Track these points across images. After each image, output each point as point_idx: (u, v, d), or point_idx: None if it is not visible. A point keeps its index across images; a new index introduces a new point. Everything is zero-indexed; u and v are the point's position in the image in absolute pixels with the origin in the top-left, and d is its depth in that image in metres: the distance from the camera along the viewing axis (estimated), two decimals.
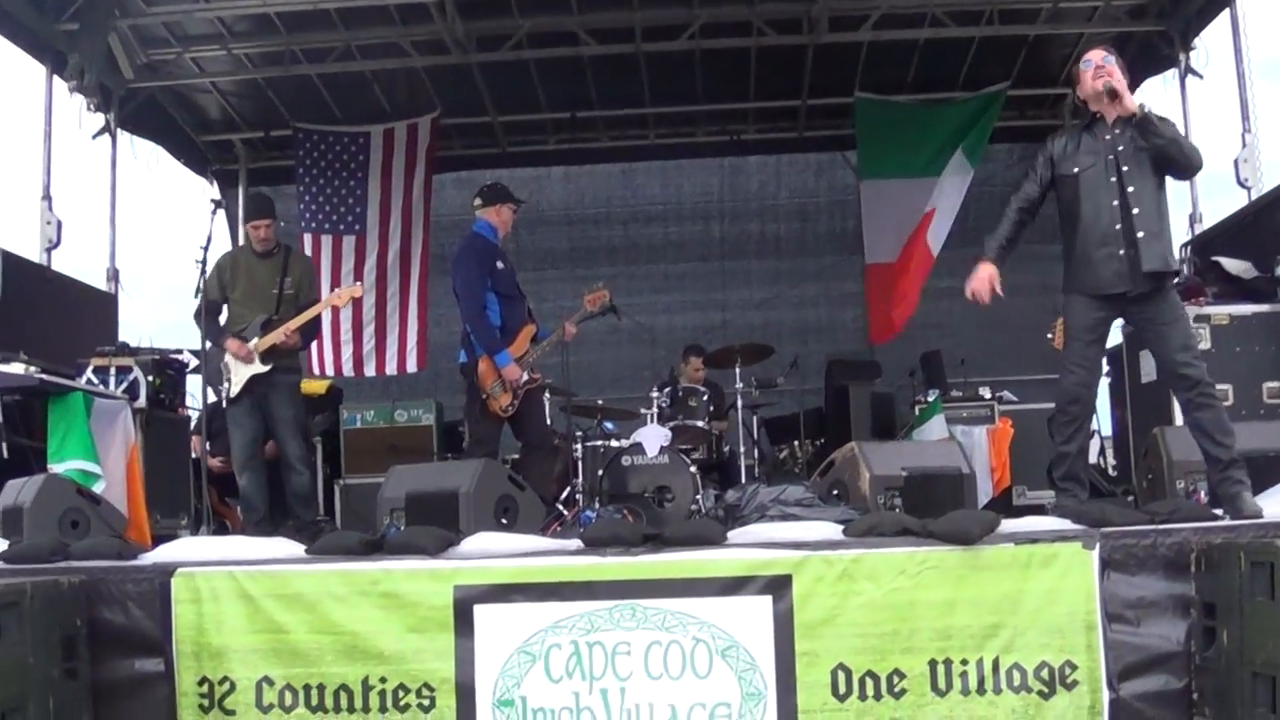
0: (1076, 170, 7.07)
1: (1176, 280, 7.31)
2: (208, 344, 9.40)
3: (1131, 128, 6.93)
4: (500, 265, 9.54)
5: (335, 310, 13.22)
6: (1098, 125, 7.12)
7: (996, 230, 7.37)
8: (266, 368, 9.42)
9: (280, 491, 9.80)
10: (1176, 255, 7.15)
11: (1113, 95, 6.92)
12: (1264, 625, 5.28)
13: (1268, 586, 5.27)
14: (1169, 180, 7.14)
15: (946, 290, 14.16)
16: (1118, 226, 6.92)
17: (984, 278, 7.23)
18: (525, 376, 9.28)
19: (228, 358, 9.52)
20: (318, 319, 10.23)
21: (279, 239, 10.02)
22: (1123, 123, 6.98)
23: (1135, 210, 6.88)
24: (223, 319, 9.78)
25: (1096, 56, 7.05)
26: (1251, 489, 6.69)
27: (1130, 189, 6.91)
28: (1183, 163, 6.90)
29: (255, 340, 9.40)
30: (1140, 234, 6.85)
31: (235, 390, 9.49)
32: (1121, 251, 6.90)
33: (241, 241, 11.86)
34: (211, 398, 9.58)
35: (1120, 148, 6.97)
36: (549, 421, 10.57)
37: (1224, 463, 6.74)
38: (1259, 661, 5.30)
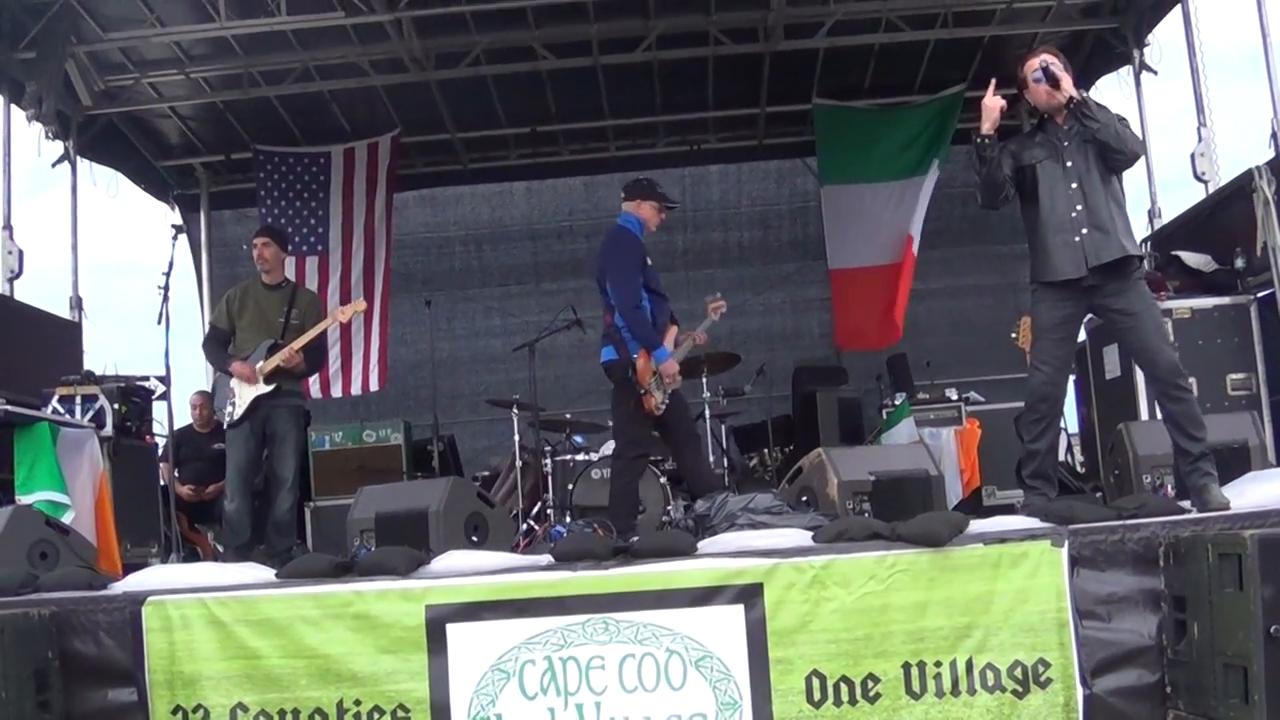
0: (1033, 162, 7.13)
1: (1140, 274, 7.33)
2: (215, 371, 9.46)
3: (1075, 120, 7.00)
4: (648, 261, 9.32)
5: None
6: (1048, 126, 7.22)
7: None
8: (270, 388, 9.46)
9: (261, 519, 9.80)
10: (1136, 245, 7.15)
11: (1053, 82, 6.97)
12: (1233, 616, 5.31)
13: (1236, 578, 5.31)
14: (1130, 171, 7.22)
15: (911, 293, 14.23)
16: (1073, 214, 6.97)
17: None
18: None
19: (233, 382, 9.55)
20: (325, 349, 10.36)
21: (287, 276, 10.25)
22: (1069, 119, 7.05)
23: (1079, 207, 6.94)
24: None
25: (1045, 63, 7.09)
26: (1219, 481, 6.73)
27: (1074, 185, 6.98)
28: (1117, 147, 6.92)
29: (261, 362, 9.44)
30: (1085, 230, 6.90)
31: (239, 413, 9.51)
32: (1077, 239, 6.95)
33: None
34: (178, 424, 9.56)
35: (1066, 144, 7.05)
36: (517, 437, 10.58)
37: (1194, 455, 6.77)
38: (1230, 652, 5.33)
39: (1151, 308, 7.11)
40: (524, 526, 10.26)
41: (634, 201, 9.34)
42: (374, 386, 14.93)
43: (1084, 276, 6.94)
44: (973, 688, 5.95)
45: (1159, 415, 7.62)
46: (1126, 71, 13.74)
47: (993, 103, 7.13)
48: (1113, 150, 6.92)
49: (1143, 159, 12.15)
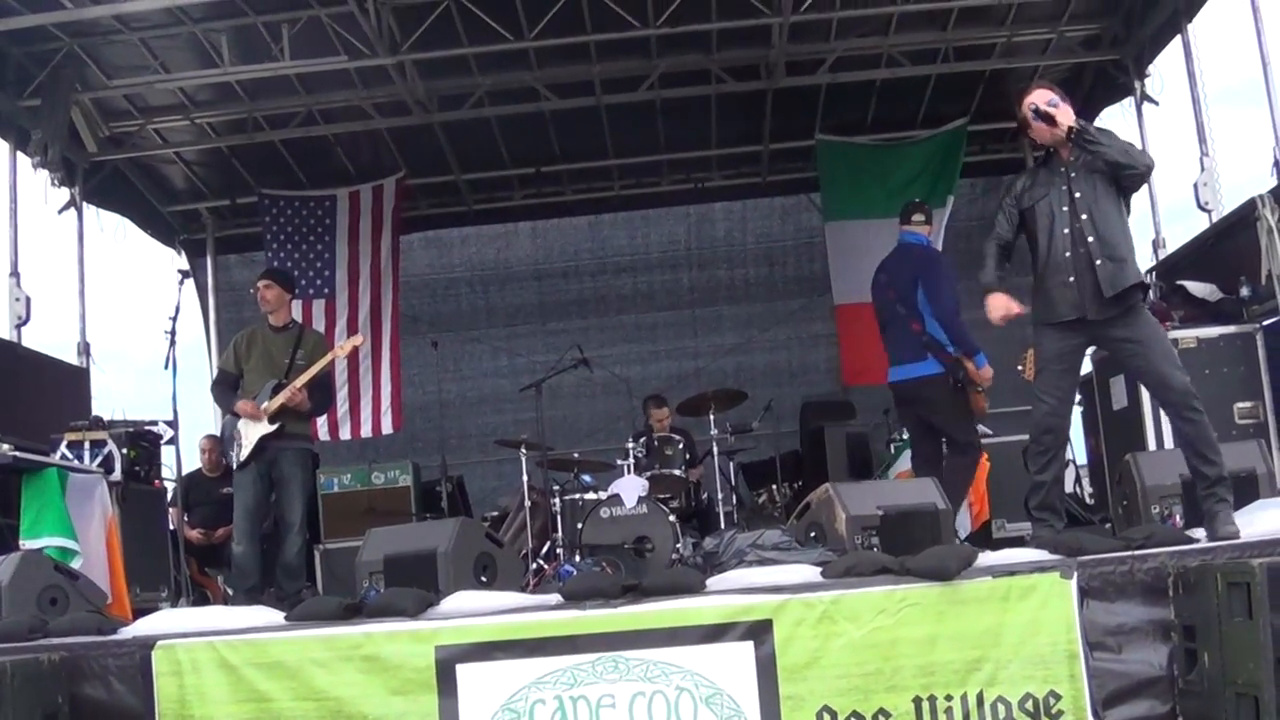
0: (1033, 204, 7.12)
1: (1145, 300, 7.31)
2: (223, 415, 9.49)
3: (1078, 149, 7.00)
4: None
5: None
6: (1053, 159, 7.19)
7: (985, 268, 7.34)
8: (275, 427, 9.42)
9: (270, 562, 9.78)
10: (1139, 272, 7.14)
11: (1047, 120, 6.98)
12: (1243, 645, 5.29)
13: (1245, 606, 5.30)
14: (1133, 202, 7.20)
15: None
16: (1068, 254, 6.96)
17: (1003, 302, 7.20)
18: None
19: (240, 422, 9.53)
20: (331, 388, 10.31)
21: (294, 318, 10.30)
22: (1074, 150, 7.04)
23: (1090, 239, 6.91)
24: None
25: (1042, 100, 7.08)
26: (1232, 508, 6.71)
27: (1084, 215, 6.94)
28: (1128, 163, 6.89)
29: (266, 402, 9.42)
30: (1099, 261, 6.88)
31: (245, 454, 9.48)
32: (1072, 279, 6.94)
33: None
34: (187, 468, 9.56)
35: (1073, 175, 7.02)
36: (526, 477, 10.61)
37: (1210, 479, 6.74)
38: (1241, 681, 5.31)
39: (1157, 332, 7.11)
40: (533, 566, 10.24)
41: (928, 226, 9.74)
42: (387, 429, 14.94)
43: (1084, 315, 6.96)
44: None
45: (1166, 445, 7.62)
46: (1128, 103, 13.84)
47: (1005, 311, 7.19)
48: (1125, 168, 6.89)
49: (1147, 189, 12.22)
